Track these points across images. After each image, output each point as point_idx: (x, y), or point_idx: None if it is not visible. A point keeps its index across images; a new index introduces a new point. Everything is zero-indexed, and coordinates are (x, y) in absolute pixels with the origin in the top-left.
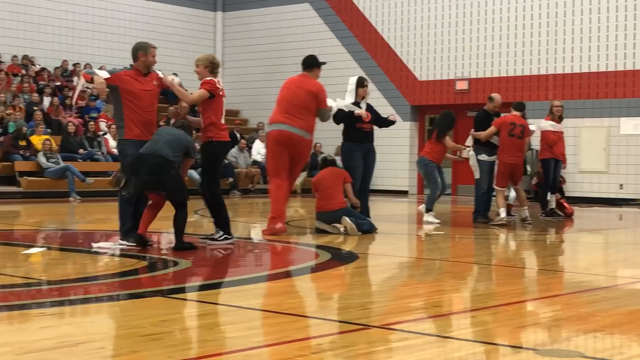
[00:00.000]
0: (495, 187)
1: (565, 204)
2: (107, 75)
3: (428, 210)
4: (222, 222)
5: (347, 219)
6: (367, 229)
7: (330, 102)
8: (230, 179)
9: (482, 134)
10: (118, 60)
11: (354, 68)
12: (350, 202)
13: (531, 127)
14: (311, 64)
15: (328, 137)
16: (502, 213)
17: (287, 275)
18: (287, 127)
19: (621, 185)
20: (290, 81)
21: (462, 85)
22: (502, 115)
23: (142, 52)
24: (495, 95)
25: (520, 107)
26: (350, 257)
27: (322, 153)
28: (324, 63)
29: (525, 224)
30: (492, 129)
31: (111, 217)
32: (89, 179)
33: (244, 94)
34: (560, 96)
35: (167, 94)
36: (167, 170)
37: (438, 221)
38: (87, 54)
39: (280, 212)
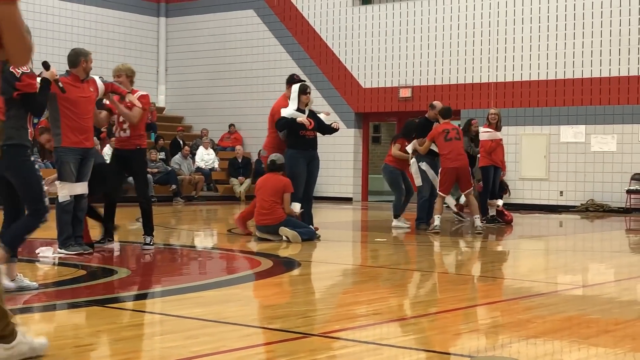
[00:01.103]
0: (438, 192)
1: (505, 212)
2: None
3: (396, 216)
4: (152, 228)
5: (286, 228)
6: (307, 238)
7: (283, 111)
8: (174, 186)
9: (421, 149)
10: (59, 66)
11: (298, 75)
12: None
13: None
14: (288, 81)
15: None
16: (437, 221)
17: (229, 283)
18: None
19: (561, 192)
20: None
21: (405, 93)
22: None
23: (83, 58)
24: (436, 102)
25: (448, 113)
26: (292, 265)
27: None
28: (298, 81)
29: (475, 233)
30: (427, 143)
31: (51, 225)
32: None
33: (187, 100)
34: (502, 104)
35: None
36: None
37: (407, 225)
38: None
39: None
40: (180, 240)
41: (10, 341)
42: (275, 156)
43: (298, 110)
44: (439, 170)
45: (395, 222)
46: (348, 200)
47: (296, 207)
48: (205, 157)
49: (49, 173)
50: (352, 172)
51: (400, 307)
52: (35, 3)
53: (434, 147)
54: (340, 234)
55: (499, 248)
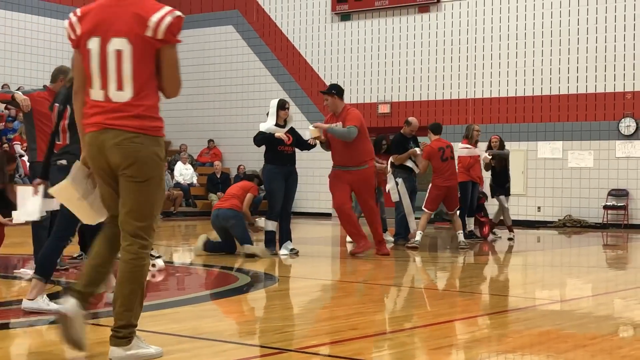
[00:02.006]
0: (423, 208)
1: (485, 224)
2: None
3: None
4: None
5: (250, 246)
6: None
7: (261, 125)
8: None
9: (421, 169)
10: (36, 81)
11: (277, 90)
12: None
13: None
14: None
15: (250, 160)
16: (418, 236)
17: (205, 299)
18: None
19: (539, 207)
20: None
21: (384, 109)
22: (422, 141)
23: (62, 76)
24: (412, 119)
25: (439, 129)
26: (270, 280)
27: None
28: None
29: (460, 248)
30: (425, 163)
31: (28, 241)
32: None
33: (166, 116)
34: (480, 120)
35: None
36: None
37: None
38: (5, 74)
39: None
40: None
41: (128, 342)
42: (252, 171)
43: (276, 125)
44: (429, 187)
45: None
46: (327, 215)
47: (260, 222)
48: (184, 172)
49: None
50: None
51: (377, 322)
52: (14, 18)
53: (409, 164)
54: (318, 250)
55: (477, 263)
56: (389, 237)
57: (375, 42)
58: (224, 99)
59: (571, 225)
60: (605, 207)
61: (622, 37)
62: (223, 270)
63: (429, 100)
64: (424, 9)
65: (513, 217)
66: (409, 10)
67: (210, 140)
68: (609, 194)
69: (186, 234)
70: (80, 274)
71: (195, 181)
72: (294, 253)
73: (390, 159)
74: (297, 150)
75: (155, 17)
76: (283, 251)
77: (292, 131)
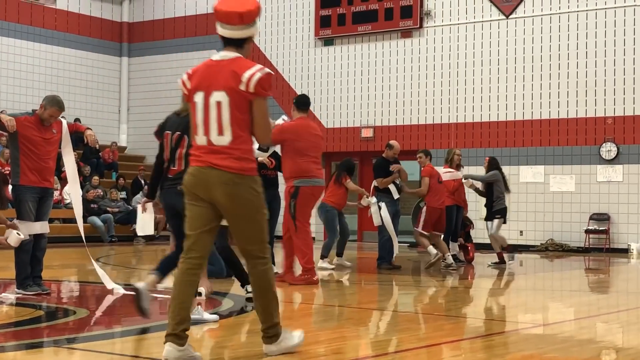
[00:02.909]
0: (421, 230)
1: (470, 249)
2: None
3: (323, 256)
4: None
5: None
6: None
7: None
8: (134, 226)
9: (422, 190)
10: (20, 105)
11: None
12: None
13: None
14: (308, 103)
15: None
16: (449, 259)
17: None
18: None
19: (521, 231)
20: (307, 126)
21: (367, 133)
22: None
23: (43, 103)
24: (393, 142)
25: (429, 154)
26: (252, 304)
27: None
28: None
29: (450, 270)
30: (426, 180)
31: (9, 265)
32: None
33: (149, 140)
34: (462, 144)
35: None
36: None
37: (332, 267)
38: None
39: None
40: (141, 280)
41: (277, 338)
42: None
43: (259, 149)
44: (423, 209)
45: (321, 263)
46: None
47: None
48: None
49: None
50: (314, 211)
51: (360, 346)
52: None
53: (391, 187)
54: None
55: (460, 287)
56: (325, 264)
57: (358, 67)
58: None
59: (553, 249)
60: (587, 231)
61: (603, 62)
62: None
63: (412, 125)
64: (406, 34)
65: None
66: (391, 35)
67: None
68: (591, 218)
69: None
70: (169, 316)
71: None
72: (277, 277)
73: (374, 183)
74: (279, 174)
75: (247, 74)
76: None
77: (275, 155)
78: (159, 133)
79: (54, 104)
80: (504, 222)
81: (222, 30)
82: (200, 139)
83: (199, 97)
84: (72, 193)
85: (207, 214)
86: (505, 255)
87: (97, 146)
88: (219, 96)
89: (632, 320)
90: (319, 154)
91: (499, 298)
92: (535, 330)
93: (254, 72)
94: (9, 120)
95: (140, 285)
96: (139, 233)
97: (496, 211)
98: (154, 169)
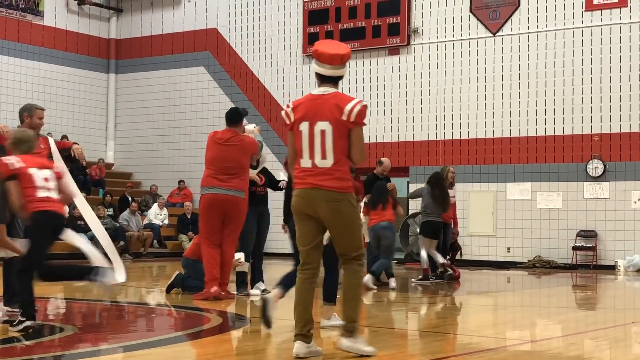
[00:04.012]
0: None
1: (453, 268)
2: None
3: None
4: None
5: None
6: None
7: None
8: (122, 243)
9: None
10: (7, 122)
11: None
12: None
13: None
14: (231, 118)
15: None
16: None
17: (178, 340)
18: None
19: (508, 248)
20: (215, 138)
21: None
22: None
23: (26, 113)
24: (384, 159)
25: None
26: (242, 321)
27: None
28: (246, 113)
29: (446, 282)
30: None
31: None
32: None
33: (136, 157)
34: (449, 161)
35: None
36: None
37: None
38: None
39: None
40: (128, 297)
41: (352, 335)
42: None
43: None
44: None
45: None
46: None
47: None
48: (159, 218)
49: None
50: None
51: None
52: None
53: None
54: (290, 290)
55: (448, 304)
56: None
57: (346, 84)
58: (195, 140)
59: (540, 266)
60: (574, 248)
61: (589, 80)
62: (195, 311)
63: (399, 142)
64: (394, 51)
65: (483, 258)
66: (379, 52)
67: (180, 181)
68: (578, 234)
69: (157, 275)
70: (296, 319)
71: (166, 221)
72: (266, 294)
73: (365, 199)
74: (269, 190)
75: (349, 106)
76: (255, 291)
77: (264, 172)
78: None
79: (34, 106)
80: (433, 239)
81: (322, 70)
82: (305, 162)
83: (304, 127)
84: (82, 209)
85: (314, 229)
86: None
87: (84, 162)
88: (323, 125)
89: (619, 337)
90: (225, 164)
91: (487, 315)
92: (523, 347)
93: (354, 105)
94: (2, 127)
95: (268, 296)
96: None
97: (421, 226)
98: (285, 195)
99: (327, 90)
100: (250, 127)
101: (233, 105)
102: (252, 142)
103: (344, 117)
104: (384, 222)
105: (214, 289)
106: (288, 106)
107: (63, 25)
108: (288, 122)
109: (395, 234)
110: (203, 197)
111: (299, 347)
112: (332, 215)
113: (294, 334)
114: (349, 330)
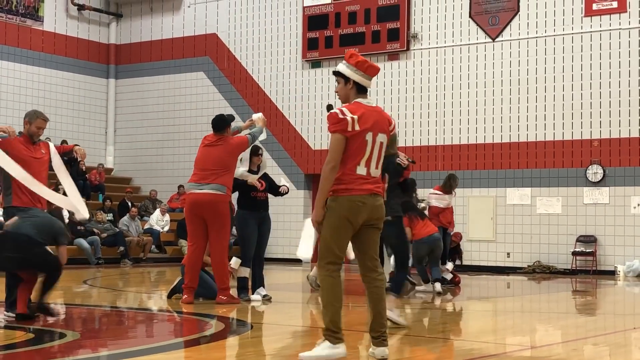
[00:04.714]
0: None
1: (453, 273)
2: None
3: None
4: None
5: None
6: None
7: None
8: (121, 248)
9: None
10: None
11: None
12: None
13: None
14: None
15: None
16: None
17: (178, 346)
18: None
19: (508, 253)
20: (203, 141)
21: None
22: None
23: (27, 119)
24: None
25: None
26: (243, 327)
27: None
28: (233, 119)
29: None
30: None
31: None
32: None
33: (136, 162)
34: (449, 166)
35: None
36: (30, 249)
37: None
38: None
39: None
40: (128, 303)
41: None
42: None
43: (249, 171)
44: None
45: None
46: (298, 261)
47: (233, 262)
48: (160, 224)
49: None
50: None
51: None
52: None
53: None
54: (291, 296)
55: (449, 309)
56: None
57: None
58: (195, 145)
59: (540, 271)
60: (574, 254)
61: (589, 85)
62: (195, 316)
63: (399, 147)
64: (393, 56)
65: (482, 263)
66: (378, 57)
67: (180, 186)
68: (578, 240)
69: (156, 280)
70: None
71: (167, 228)
72: (266, 299)
73: None
74: (270, 196)
75: (393, 121)
76: (256, 297)
77: (265, 177)
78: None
79: (38, 115)
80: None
81: (367, 82)
82: (360, 169)
83: (369, 137)
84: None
85: (364, 235)
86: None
87: (84, 167)
88: (382, 137)
89: (620, 342)
90: (207, 165)
91: (487, 320)
92: (524, 353)
93: (392, 119)
94: (7, 127)
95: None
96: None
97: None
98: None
99: (370, 102)
100: (256, 116)
101: (232, 110)
102: (239, 142)
103: (390, 129)
104: (435, 234)
105: (184, 297)
106: (344, 113)
107: (63, 30)
108: (350, 129)
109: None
110: (186, 200)
111: (382, 350)
112: (380, 220)
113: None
114: (385, 339)
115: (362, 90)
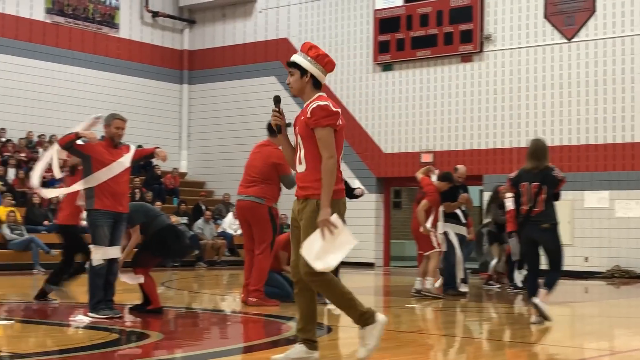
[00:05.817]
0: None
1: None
2: (81, 143)
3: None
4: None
5: None
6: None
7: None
8: (196, 251)
9: (452, 205)
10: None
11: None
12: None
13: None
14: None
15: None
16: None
17: (258, 348)
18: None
19: (586, 258)
20: (253, 148)
21: (427, 158)
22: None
23: (105, 123)
24: (460, 166)
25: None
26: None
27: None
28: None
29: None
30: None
31: (76, 290)
32: (54, 251)
33: (209, 166)
34: None
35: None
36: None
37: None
38: (53, 126)
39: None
40: (203, 305)
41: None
42: None
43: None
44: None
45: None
46: (370, 265)
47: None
48: (233, 227)
49: None
50: (374, 237)
51: None
52: (61, 70)
53: (458, 212)
54: (364, 300)
55: (525, 313)
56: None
57: (417, 92)
58: None
59: (619, 276)
60: None
61: None
62: (273, 319)
63: (472, 150)
64: (466, 58)
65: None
66: (451, 60)
67: None
68: None
69: (230, 283)
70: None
71: (239, 231)
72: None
73: (441, 207)
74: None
75: None
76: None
77: None
78: (515, 185)
79: (114, 116)
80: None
81: (323, 78)
82: (340, 167)
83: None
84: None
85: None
86: None
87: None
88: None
89: None
90: (248, 171)
91: (565, 325)
92: (604, 359)
93: None
94: (88, 133)
95: (536, 300)
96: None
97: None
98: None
99: None
100: None
101: None
102: (276, 153)
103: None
104: None
105: (242, 296)
106: (334, 106)
107: (137, 37)
108: (341, 122)
109: None
110: (237, 204)
111: None
112: None
113: None
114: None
115: (317, 86)
